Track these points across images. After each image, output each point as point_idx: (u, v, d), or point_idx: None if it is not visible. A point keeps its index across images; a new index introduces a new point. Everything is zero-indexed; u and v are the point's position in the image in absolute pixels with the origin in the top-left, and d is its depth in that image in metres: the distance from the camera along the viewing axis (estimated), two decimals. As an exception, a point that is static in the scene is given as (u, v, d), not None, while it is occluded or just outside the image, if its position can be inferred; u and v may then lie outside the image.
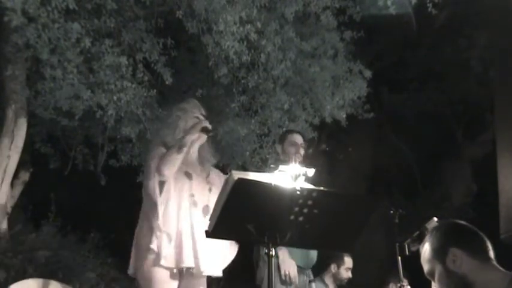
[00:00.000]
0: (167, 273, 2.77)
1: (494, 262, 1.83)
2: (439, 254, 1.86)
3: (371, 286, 6.21)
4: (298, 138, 3.81)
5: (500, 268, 1.81)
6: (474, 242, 1.85)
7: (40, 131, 5.90)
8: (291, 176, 2.07)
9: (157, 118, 5.34)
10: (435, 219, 2.97)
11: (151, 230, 2.76)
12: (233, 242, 2.92)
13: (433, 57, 8.08)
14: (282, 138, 3.90)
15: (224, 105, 5.67)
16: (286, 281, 3.35)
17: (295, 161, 3.43)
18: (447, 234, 1.90)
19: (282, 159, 3.75)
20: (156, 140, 3.07)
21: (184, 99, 3.33)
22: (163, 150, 2.89)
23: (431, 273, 1.90)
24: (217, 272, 2.90)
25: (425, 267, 1.93)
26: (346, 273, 4.69)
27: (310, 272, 3.75)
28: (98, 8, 4.69)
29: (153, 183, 2.79)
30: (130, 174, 5.75)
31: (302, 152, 3.71)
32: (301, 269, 3.55)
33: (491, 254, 1.85)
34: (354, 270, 4.75)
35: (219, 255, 2.90)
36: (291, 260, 3.40)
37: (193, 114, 3.04)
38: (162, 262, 2.72)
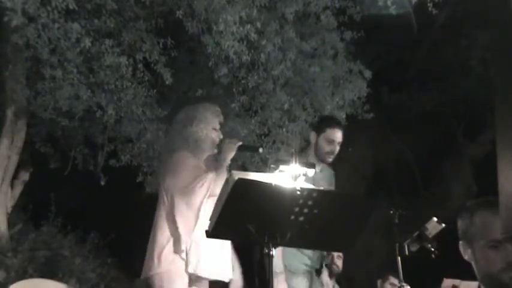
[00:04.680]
0: (186, 279, 2.84)
1: None
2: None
3: (371, 286, 6.21)
4: (338, 136, 3.36)
5: None
6: None
7: (40, 131, 5.89)
8: (291, 176, 2.07)
9: (157, 118, 5.34)
10: (435, 219, 2.97)
11: (177, 236, 2.82)
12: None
13: (433, 57, 8.08)
14: (320, 129, 3.39)
15: (224, 105, 5.66)
16: None
17: (328, 160, 3.33)
18: None
19: (312, 150, 3.37)
20: (182, 146, 3.00)
21: (201, 104, 3.21)
22: (195, 162, 2.94)
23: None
24: (229, 276, 2.96)
25: None
26: (339, 261, 4.49)
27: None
28: (98, 8, 4.68)
29: (202, 201, 2.82)
30: (130, 174, 5.76)
31: (337, 149, 3.34)
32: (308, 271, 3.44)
33: None
34: (353, 270, 4.69)
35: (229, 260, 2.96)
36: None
37: (212, 125, 3.05)
38: (189, 269, 2.80)
